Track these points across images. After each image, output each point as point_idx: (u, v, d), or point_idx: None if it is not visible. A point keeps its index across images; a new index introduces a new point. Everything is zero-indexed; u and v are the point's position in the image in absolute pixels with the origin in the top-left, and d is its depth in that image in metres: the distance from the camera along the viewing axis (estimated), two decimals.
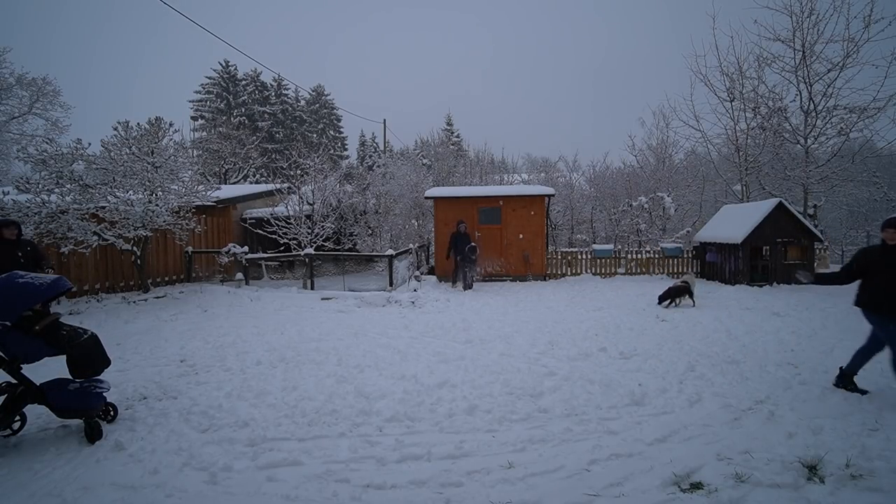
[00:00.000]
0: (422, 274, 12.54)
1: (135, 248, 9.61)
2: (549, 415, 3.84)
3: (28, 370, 3.42)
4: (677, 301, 8.42)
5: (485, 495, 2.74)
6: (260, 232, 13.37)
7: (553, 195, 13.16)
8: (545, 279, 12.50)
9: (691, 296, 8.43)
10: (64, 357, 3.50)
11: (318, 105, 42.22)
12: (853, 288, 4.23)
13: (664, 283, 11.41)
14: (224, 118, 35.14)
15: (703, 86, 15.23)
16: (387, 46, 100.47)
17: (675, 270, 12.75)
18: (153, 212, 9.25)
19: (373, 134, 41.90)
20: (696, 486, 2.78)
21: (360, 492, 2.80)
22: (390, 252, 11.16)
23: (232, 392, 4.41)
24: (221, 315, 8.31)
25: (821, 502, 2.59)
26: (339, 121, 43.36)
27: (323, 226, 13.18)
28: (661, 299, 8.44)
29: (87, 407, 3.47)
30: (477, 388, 4.44)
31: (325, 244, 13.60)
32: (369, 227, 15.79)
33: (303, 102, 41.79)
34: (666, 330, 6.73)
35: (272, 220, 12.71)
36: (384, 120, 28.35)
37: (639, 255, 12.99)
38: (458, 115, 56.48)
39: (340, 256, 14.39)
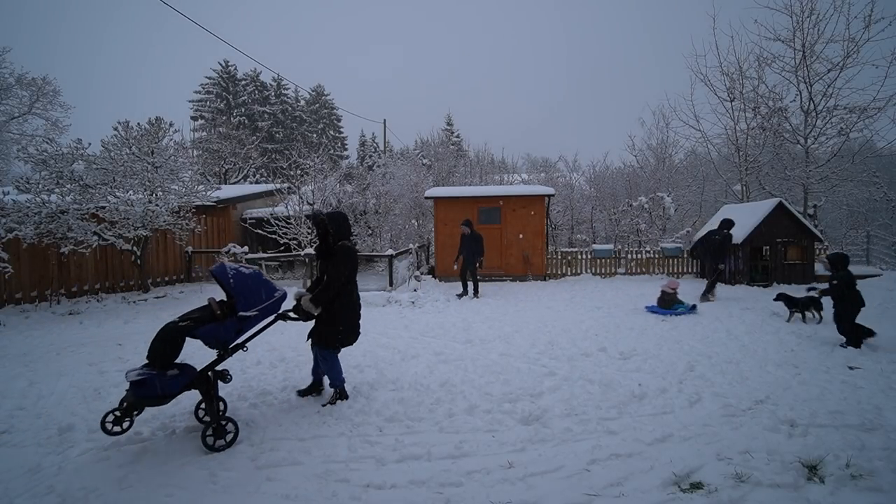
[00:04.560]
0: (422, 274, 12.54)
1: (135, 248, 9.61)
2: (549, 414, 3.84)
3: None
4: None
5: (485, 495, 2.74)
6: (260, 232, 13.37)
7: (553, 195, 13.16)
8: (545, 279, 12.50)
9: None
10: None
11: (317, 105, 42.22)
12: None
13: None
14: (224, 118, 35.13)
15: (703, 86, 15.26)
16: (387, 46, 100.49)
17: (675, 270, 12.75)
18: (153, 212, 9.25)
19: (373, 134, 41.93)
20: (696, 486, 2.77)
21: (360, 491, 2.80)
22: (390, 252, 11.15)
23: (232, 392, 4.40)
24: None
25: (821, 502, 2.59)
26: (339, 121, 43.35)
27: None
28: None
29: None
30: (477, 387, 4.44)
31: None
32: (369, 227, 15.79)
33: (302, 102, 41.78)
34: (666, 330, 6.73)
35: (272, 220, 12.72)
36: (384, 120, 28.36)
37: (639, 255, 12.99)
38: (458, 115, 56.47)
39: None
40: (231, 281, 3.48)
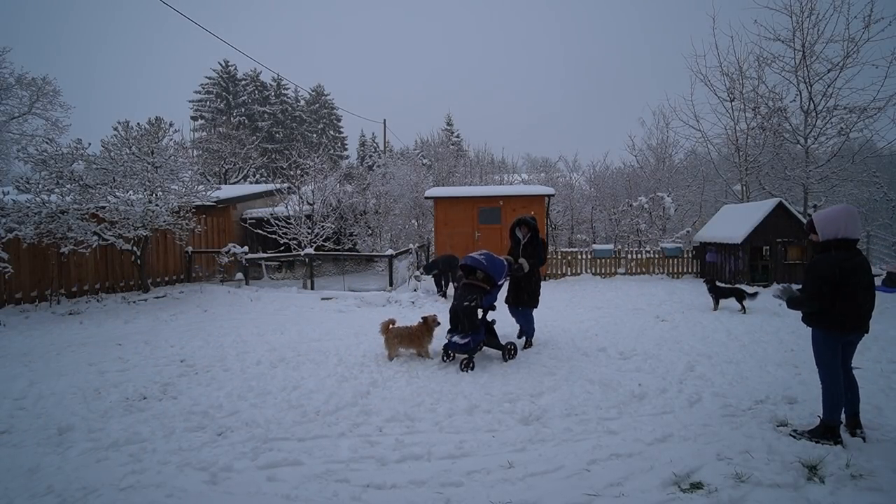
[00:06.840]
0: (422, 274, 12.53)
1: (135, 248, 9.61)
2: (549, 414, 3.84)
3: None
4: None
5: (485, 495, 2.74)
6: (260, 232, 13.36)
7: (553, 195, 13.16)
8: (545, 279, 12.50)
9: None
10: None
11: (317, 105, 42.19)
12: None
13: (664, 283, 11.41)
14: (224, 118, 35.11)
15: (703, 86, 15.21)
16: (388, 46, 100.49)
17: (675, 270, 12.75)
18: (153, 212, 9.25)
19: (373, 134, 41.87)
20: (696, 486, 2.77)
21: (361, 491, 2.80)
22: (390, 252, 11.16)
23: (232, 392, 4.41)
24: (221, 315, 8.31)
25: (821, 502, 2.59)
26: (338, 121, 43.31)
27: (323, 226, 13.18)
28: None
29: None
30: (477, 387, 4.44)
31: (325, 244, 13.60)
32: (369, 227, 15.79)
33: (302, 102, 41.75)
34: (665, 330, 6.73)
35: (272, 220, 12.71)
36: (384, 120, 28.38)
37: (639, 255, 12.99)
38: (458, 115, 56.50)
39: (340, 256, 14.38)
40: (486, 264, 5.23)
